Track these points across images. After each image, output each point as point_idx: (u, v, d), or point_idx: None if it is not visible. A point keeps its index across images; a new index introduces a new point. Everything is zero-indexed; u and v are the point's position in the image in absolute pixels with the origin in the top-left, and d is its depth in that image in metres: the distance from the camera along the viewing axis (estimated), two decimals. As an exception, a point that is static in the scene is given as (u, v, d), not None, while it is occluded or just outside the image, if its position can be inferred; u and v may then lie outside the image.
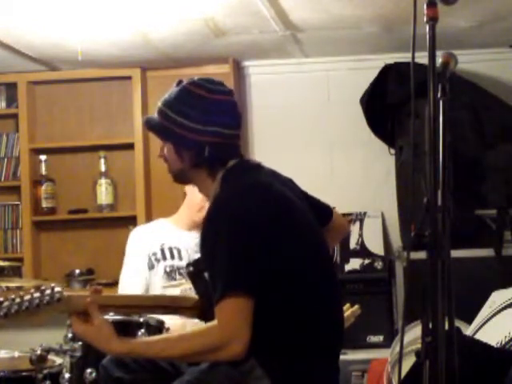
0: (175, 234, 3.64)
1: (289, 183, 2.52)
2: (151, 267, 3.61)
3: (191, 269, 2.51)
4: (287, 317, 2.28)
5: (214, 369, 2.33)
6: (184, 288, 3.51)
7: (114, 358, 2.64)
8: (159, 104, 2.45)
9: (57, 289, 2.25)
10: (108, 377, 2.66)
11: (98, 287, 2.42)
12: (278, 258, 2.26)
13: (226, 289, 2.18)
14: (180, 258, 3.59)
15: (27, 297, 2.21)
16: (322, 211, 2.61)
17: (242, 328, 2.17)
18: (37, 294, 2.22)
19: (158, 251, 3.61)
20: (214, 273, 2.24)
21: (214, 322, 2.20)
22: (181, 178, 2.49)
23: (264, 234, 2.24)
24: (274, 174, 2.48)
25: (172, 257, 3.60)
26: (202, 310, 2.48)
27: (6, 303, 2.19)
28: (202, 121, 2.37)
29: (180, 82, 2.46)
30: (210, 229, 2.27)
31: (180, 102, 2.40)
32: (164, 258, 3.60)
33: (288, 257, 2.29)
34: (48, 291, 2.24)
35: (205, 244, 2.30)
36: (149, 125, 2.48)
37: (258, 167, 2.48)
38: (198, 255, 3.57)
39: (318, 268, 2.37)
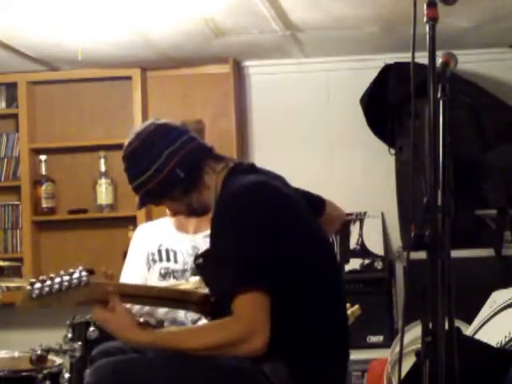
0: (174, 235, 3.64)
1: (283, 180, 2.52)
2: (149, 267, 3.61)
3: (201, 261, 2.49)
4: (302, 316, 2.27)
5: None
6: None
7: (102, 349, 2.62)
8: (132, 184, 2.46)
9: (84, 272, 2.22)
10: None
11: (109, 272, 2.38)
12: (290, 258, 2.26)
13: (246, 284, 2.18)
14: (175, 260, 3.58)
15: (57, 279, 2.18)
16: (316, 203, 2.61)
17: (263, 323, 2.18)
18: (66, 277, 2.20)
19: (156, 252, 3.61)
20: (230, 268, 2.22)
21: (232, 316, 2.19)
22: (197, 209, 2.47)
23: (276, 232, 2.25)
24: (268, 174, 2.48)
25: (168, 259, 3.60)
26: (207, 303, 2.46)
27: (37, 284, 2.16)
28: (155, 160, 2.38)
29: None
30: (222, 224, 2.27)
31: (131, 167, 2.43)
32: (160, 259, 3.60)
33: (298, 256, 2.29)
34: (76, 274, 2.21)
35: (217, 239, 2.29)
36: (143, 204, 2.48)
37: (254, 168, 2.48)
38: (192, 259, 3.59)
39: (327, 269, 2.38)
